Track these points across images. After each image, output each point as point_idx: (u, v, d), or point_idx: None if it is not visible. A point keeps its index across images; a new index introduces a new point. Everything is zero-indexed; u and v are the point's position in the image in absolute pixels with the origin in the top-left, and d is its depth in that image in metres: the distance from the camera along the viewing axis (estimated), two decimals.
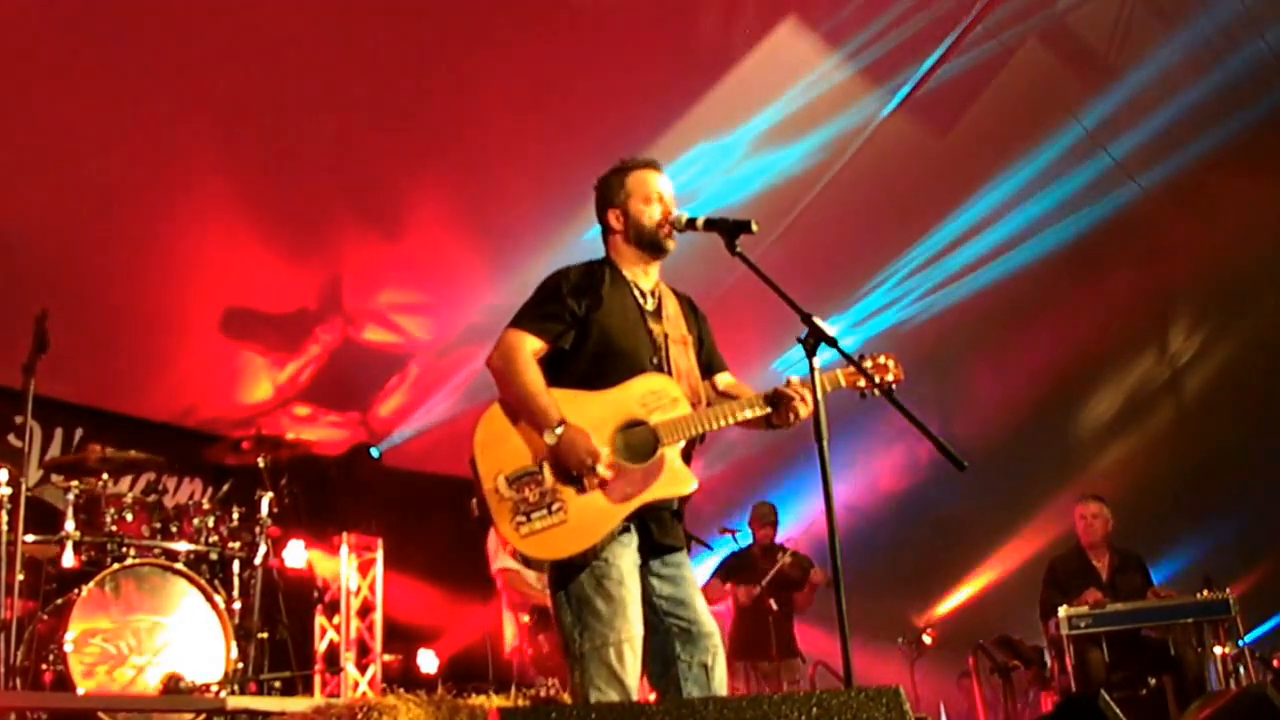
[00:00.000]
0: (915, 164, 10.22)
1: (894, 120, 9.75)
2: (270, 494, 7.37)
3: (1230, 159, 11.08)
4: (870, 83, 9.44)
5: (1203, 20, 10.21)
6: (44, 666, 5.98)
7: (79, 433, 8.43)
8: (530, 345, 4.05)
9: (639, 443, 3.99)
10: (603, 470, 3.89)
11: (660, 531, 4.04)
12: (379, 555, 9.41)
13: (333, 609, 9.26)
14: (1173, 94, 10.53)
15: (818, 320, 3.71)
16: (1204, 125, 10.80)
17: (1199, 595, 8.16)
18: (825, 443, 3.64)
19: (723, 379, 4.40)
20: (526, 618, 7.47)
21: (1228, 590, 8.14)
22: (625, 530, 3.95)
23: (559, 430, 3.89)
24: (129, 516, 6.62)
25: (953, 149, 10.28)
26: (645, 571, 4.04)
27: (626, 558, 3.94)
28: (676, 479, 4.00)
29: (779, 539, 9.73)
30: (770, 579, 9.34)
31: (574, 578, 3.93)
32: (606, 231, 4.35)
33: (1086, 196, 11.20)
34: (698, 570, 9.99)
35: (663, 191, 4.28)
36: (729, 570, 9.64)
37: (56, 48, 6.91)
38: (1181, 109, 10.64)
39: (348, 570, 9.18)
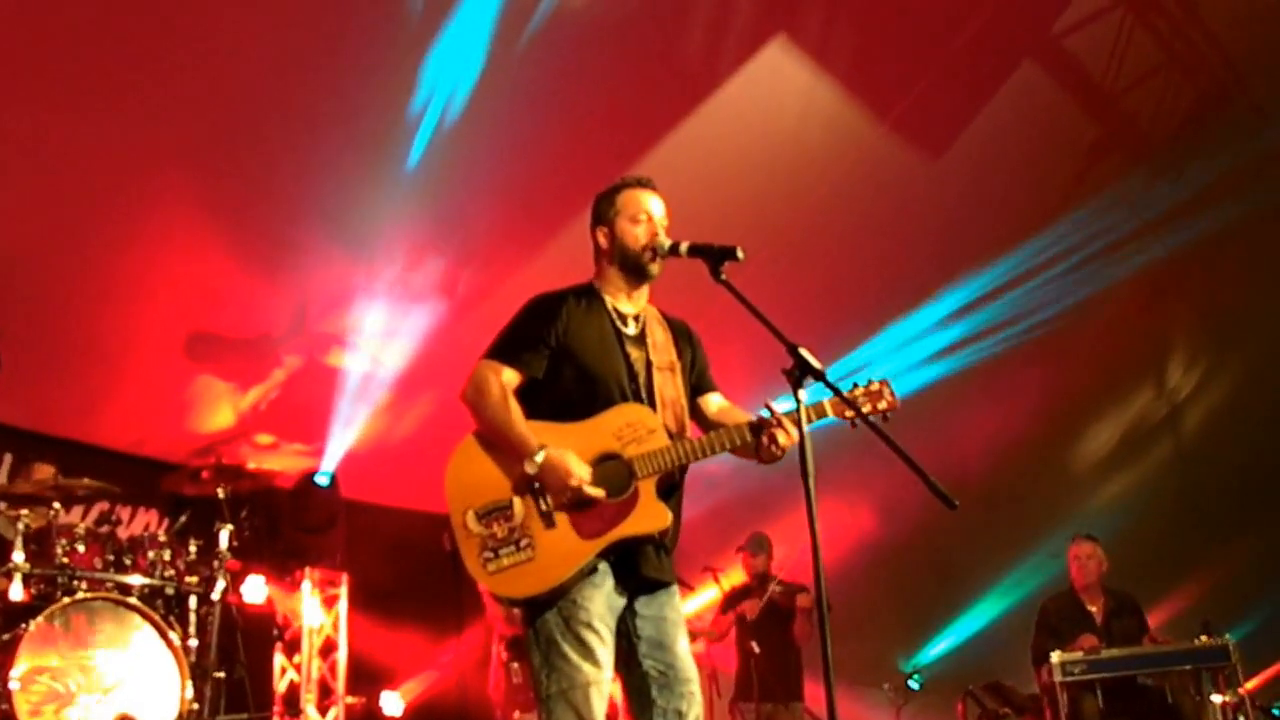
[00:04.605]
0: (910, 183, 10.29)
1: (886, 141, 9.81)
2: (230, 526, 7.33)
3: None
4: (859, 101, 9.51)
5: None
6: None
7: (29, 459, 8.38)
8: (504, 376, 4.07)
9: (613, 476, 3.98)
10: (590, 490, 3.90)
11: (646, 566, 4.03)
12: (343, 591, 9.38)
13: (293, 647, 9.22)
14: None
15: (804, 352, 3.70)
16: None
17: (1197, 641, 8.17)
18: (811, 479, 3.58)
19: (713, 401, 4.40)
20: (503, 650, 7.48)
21: (1226, 636, 8.15)
22: (596, 570, 3.95)
23: (539, 457, 3.90)
24: (81, 548, 6.56)
25: (947, 169, 10.35)
26: (628, 610, 4.04)
27: (597, 599, 3.94)
28: (651, 515, 3.98)
29: (774, 569, 9.72)
30: (763, 607, 9.32)
31: (543, 617, 3.94)
32: (596, 251, 4.36)
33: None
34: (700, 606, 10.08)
35: (652, 212, 4.27)
36: (731, 604, 9.63)
37: (17, 60, 6.90)
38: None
39: (310, 607, 9.14)
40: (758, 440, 4.04)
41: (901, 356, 11.57)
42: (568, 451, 3.93)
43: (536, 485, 3.95)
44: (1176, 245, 11.78)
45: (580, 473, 3.91)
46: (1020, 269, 11.36)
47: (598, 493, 3.91)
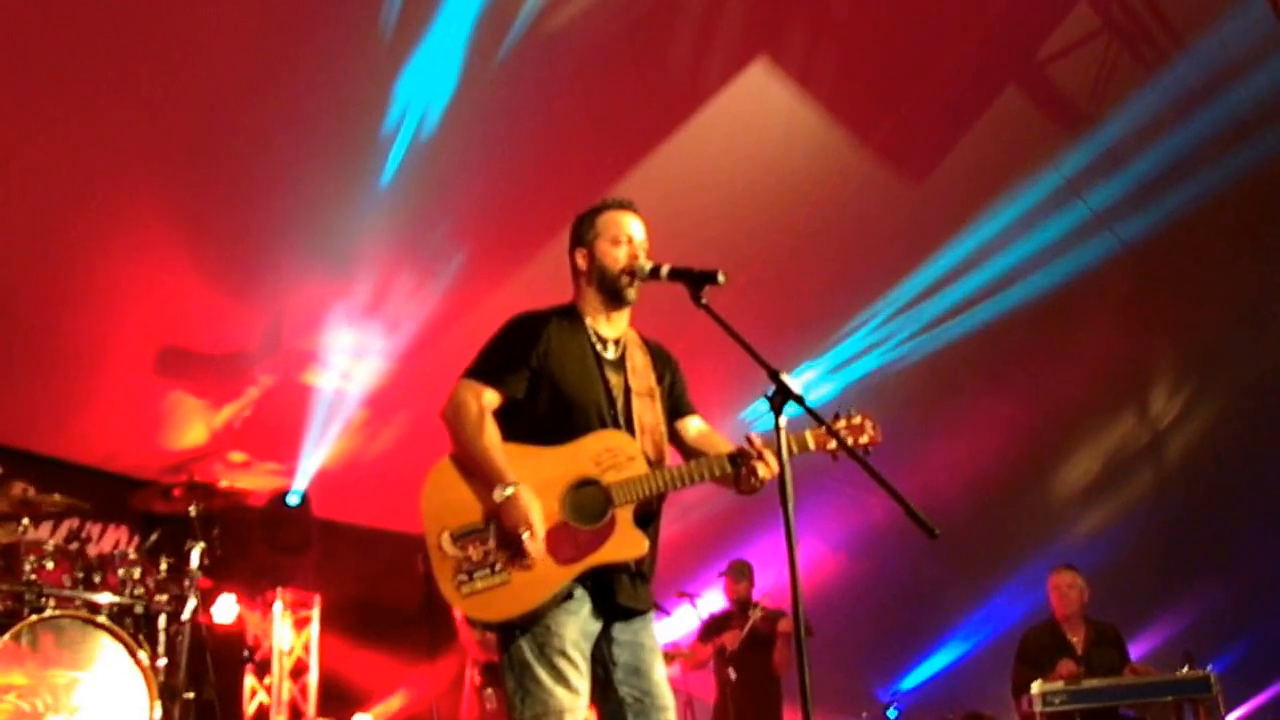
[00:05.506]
0: (891, 208, 10.33)
1: (869, 165, 9.85)
2: (201, 545, 7.33)
3: (1209, 212, 11.21)
4: (842, 123, 9.55)
5: (1182, 66, 10.39)
6: None
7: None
8: (484, 396, 4.09)
9: (590, 503, 4.01)
10: (531, 548, 3.91)
11: (622, 594, 4.06)
12: (315, 613, 9.37)
13: (263, 668, 9.21)
14: (1151, 143, 10.68)
15: (785, 377, 3.72)
16: (1182, 177, 10.94)
17: (1178, 672, 8.21)
18: (790, 506, 3.59)
19: (692, 425, 4.43)
20: (477, 676, 7.49)
21: (1208, 667, 8.19)
22: (571, 596, 3.98)
23: (509, 491, 3.92)
24: (49, 565, 6.56)
25: (929, 193, 10.39)
26: (604, 637, 4.07)
27: (572, 625, 3.96)
28: (627, 542, 4.01)
29: (754, 596, 9.74)
30: (745, 636, 9.33)
31: (518, 642, 3.96)
32: (574, 273, 4.38)
33: (1064, 245, 11.32)
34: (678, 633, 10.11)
35: (633, 234, 4.30)
36: (710, 631, 9.63)
37: None
38: (1159, 160, 10.80)
39: (281, 628, 9.13)
40: (737, 471, 4.07)
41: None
42: (536, 501, 3.95)
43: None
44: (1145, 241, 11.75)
45: (535, 526, 3.92)
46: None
47: (533, 552, 3.91)
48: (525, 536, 3.90)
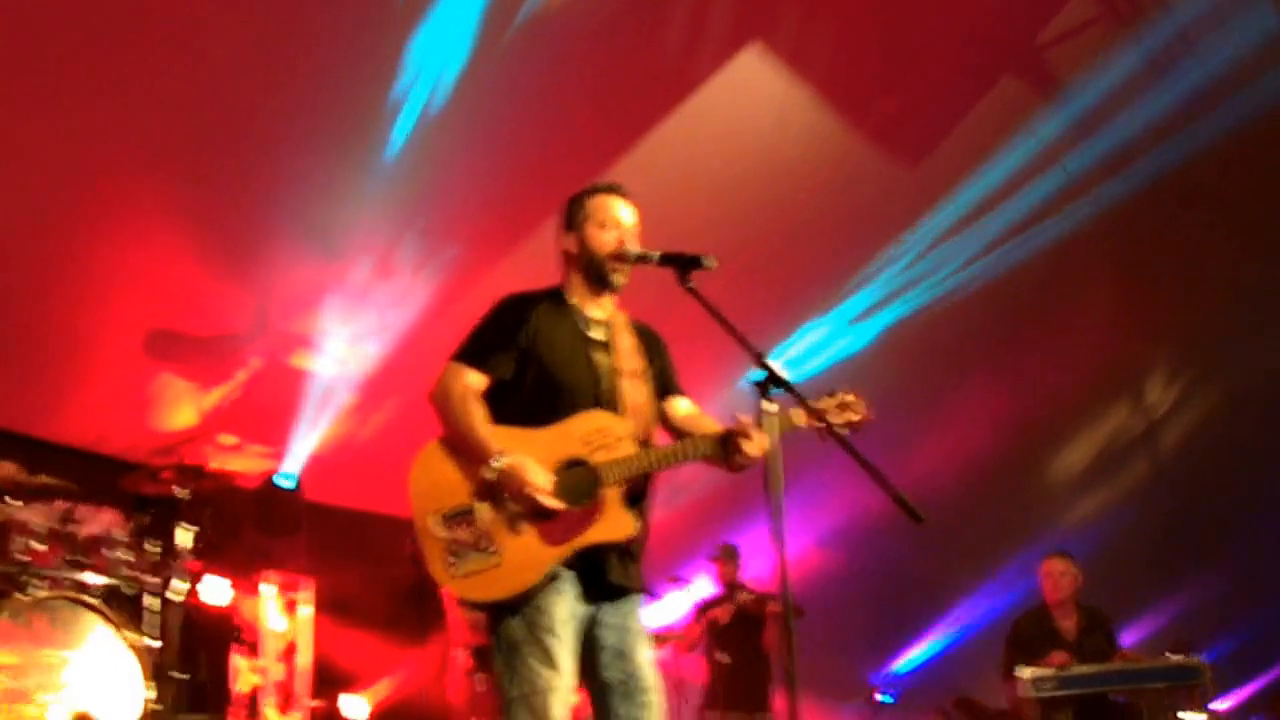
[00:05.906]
0: (885, 192, 10.34)
1: (863, 149, 9.87)
2: (191, 527, 7.35)
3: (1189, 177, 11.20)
4: (834, 107, 9.57)
5: (1165, 24, 10.38)
6: None
7: None
8: (471, 378, 4.12)
9: (579, 483, 4.03)
10: (547, 500, 3.94)
11: (613, 572, 4.09)
12: (307, 595, 9.38)
13: (254, 650, 9.23)
14: (1132, 108, 10.68)
15: (771, 362, 3.75)
16: (1164, 138, 10.93)
17: (1169, 659, 8.25)
18: (779, 488, 3.63)
19: (680, 405, 4.45)
20: (467, 659, 7.53)
21: (1200, 655, 8.23)
22: (560, 576, 4.01)
23: (497, 463, 3.95)
24: (39, 546, 6.58)
25: (923, 177, 10.42)
26: (592, 619, 4.10)
27: (561, 605, 3.99)
28: (617, 522, 4.03)
29: (742, 579, 9.79)
30: (732, 617, 9.39)
31: (507, 622, 4.00)
32: (565, 256, 4.41)
33: (1047, 210, 11.32)
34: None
35: (621, 218, 4.33)
36: (704, 613, 9.69)
37: None
38: (1141, 124, 10.79)
39: (272, 611, 9.15)
40: (726, 450, 4.09)
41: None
42: (527, 459, 3.98)
43: (500, 491, 4.00)
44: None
45: (539, 481, 3.96)
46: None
47: (555, 504, 3.96)
48: (537, 494, 3.93)
